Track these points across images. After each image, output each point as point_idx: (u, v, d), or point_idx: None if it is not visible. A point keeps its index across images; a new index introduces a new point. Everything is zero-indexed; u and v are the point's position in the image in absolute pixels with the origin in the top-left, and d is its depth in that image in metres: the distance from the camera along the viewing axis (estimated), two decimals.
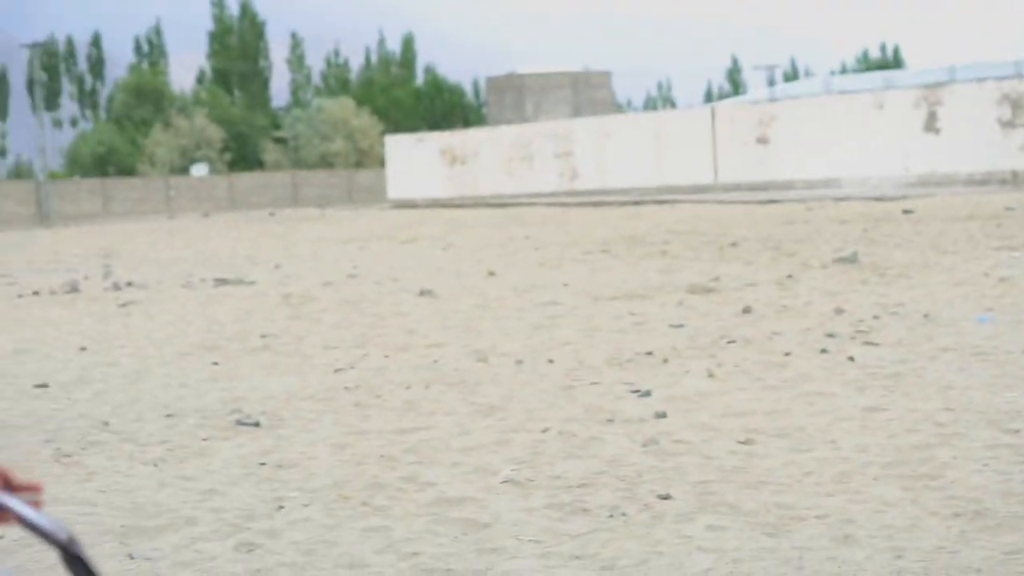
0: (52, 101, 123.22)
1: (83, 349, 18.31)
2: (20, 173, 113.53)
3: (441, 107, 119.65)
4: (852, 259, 24.75)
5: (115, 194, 73.21)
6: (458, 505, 9.35)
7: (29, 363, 17.22)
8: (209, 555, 8.25)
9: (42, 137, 74.49)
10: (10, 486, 2.47)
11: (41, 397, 14.57)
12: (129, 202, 72.36)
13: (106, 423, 12.75)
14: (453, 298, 22.72)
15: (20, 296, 26.30)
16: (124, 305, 23.74)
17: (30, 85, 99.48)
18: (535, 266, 28.67)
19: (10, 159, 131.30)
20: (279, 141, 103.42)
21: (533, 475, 10.06)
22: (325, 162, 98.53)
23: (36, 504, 2.46)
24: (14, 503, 2.39)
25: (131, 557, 8.22)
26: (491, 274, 26.97)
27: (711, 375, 14.12)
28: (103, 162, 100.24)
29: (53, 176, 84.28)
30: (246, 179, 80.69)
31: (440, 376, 15.03)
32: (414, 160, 71.79)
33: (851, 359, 14.51)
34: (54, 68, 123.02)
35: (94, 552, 8.34)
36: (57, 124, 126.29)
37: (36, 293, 26.63)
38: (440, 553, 8.18)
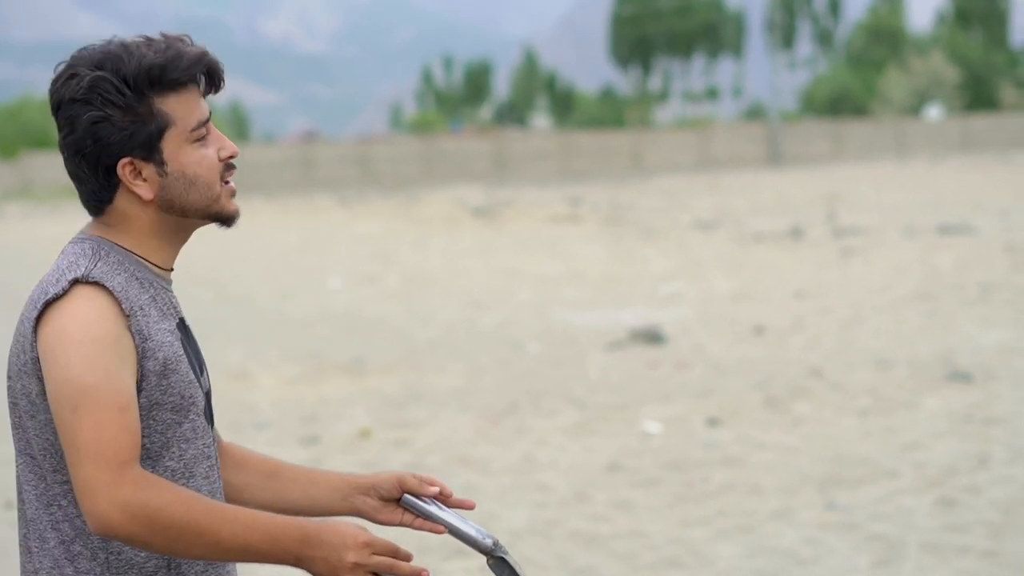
0: (788, 41, 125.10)
1: (799, 295, 18.71)
2: (755, 114, 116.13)
3: None
4: None
5: (846, 136, 73.55)
6: None
7: (748, 307, 17.79)
8: (907, 508, 8.30)
9: (777, 78, 75.98)
10: (445, 501, 2.70)
11: (757, 342, 15.06)
12: (859, 144, 72.43)
13: (817, 371, 13.01)
14: None
15: (742, 239, 27.15)
16: (843, 251, 23.96)
17: (768, 25, 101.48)
18: None
19: (746, 100, 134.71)
20: (1019, 83, 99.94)
21: None
22: None
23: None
24: (446, 514, 2.65)
25: (830, 506, 8.41)
26: None
27: None
28: (836, 103, 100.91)
29: (787, 118, 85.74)
30: (979, 122, 78.72)
31: None
32: None
33: None
34: (790, 7, 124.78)
35: (793, 500, 8.61)
36: (792, 65, 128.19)
37: (759, 237, 27.37)
38: None
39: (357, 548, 2.40)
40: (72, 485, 2.41)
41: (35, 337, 2.43)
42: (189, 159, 2.51)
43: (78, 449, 2.34)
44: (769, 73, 79.40)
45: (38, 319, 2.43)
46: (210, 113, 2.56)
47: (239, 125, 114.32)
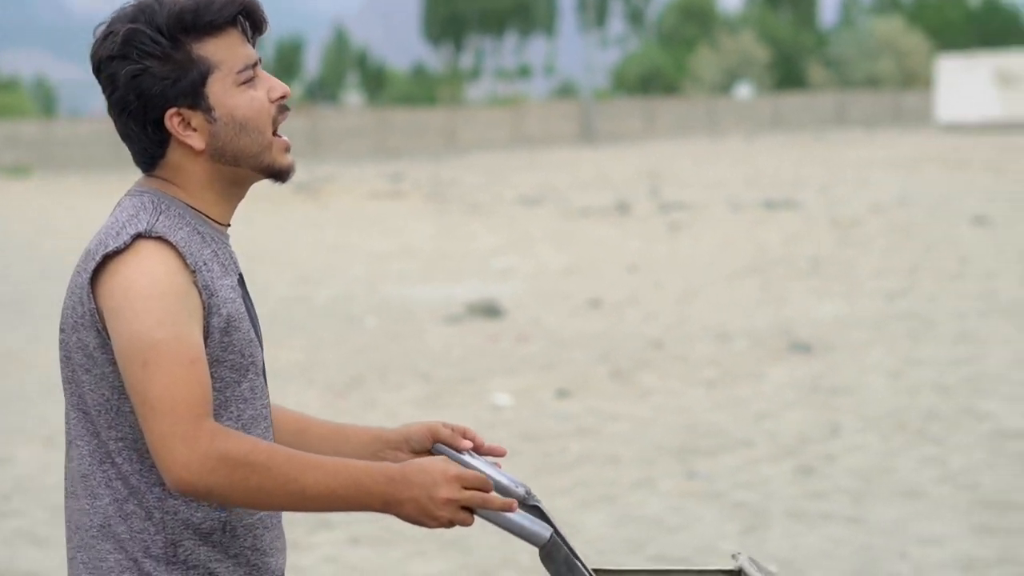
0: (600, 19, 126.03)
1: (631, 269, 18.79)
2: (567, 92, 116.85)
3: (995, 29, 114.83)
4: None
5: (658, 114, 74.32)
6: (1018, 438, 9.10)
7: (581, 281, 17.81)
8: (766, 476, 8.34)
9: (589, 56, 76.51)
10: (477, 449, 2.64)
11: (594, 315, 15.06)
12: (672, 122, 73.27)
13: (658, 343, 13.05)
14: (1009, 226, 21.90)
15: (568, 215, 27.21)
16: (671, 226, 24.15)
17: (580, 4, 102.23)
18: None
19: (558, 78, 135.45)
20: (827, 63, 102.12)
21: None
22: (871, 83, 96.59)
23: (498, 464, 2.63)
24: (478, 462, 2.56)
25: (691, 475, 8.41)
26: None
27: None
28: (647, 81, 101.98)
29: (599, 95, 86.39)
30: (790, 100, 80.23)
31: (996, 306, 14.61)
32: (964, 82, 69.26)
33: None
34: None
35: (653, 469, 8.60)
36: (604, 43, 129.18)
37: (585, 212, 27.45)
38: (1001, 487, 7.97)
39: (448, 483, 2.30)
40: (127, 443, 2.37)
41: (92, 289, 2.36)
42: (237, 102, 2.44)
43: (152, 405, 2.28)
44: (581, 51, 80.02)
45: (96, 271, 2.36)
46: (258, 57, 2.50)
47: (46, 101, 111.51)
